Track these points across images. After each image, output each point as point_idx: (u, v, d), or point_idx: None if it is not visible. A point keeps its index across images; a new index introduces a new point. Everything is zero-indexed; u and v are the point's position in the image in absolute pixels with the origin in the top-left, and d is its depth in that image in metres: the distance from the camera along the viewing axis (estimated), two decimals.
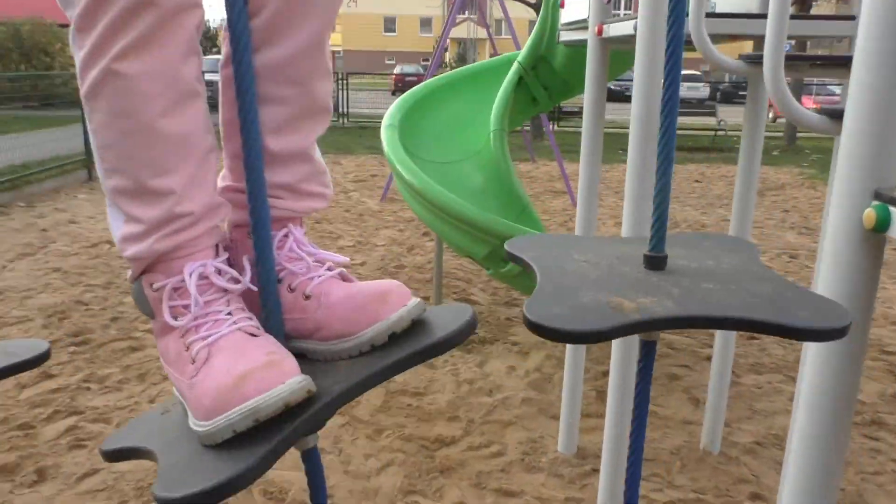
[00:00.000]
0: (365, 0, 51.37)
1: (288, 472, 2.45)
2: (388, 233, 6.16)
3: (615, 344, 1.97)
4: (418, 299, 0.87)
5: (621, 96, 16.57)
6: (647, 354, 0.83)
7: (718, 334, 2.65)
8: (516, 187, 3.35)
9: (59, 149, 8.85)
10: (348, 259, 0.96)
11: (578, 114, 16.17)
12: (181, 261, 0.83)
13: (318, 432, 0.84)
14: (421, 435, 2.78)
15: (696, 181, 9.75)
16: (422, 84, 3.83)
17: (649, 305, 0.70)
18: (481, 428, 2.86)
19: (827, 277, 0.94)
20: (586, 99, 2.31)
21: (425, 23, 50.87)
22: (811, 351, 0.97)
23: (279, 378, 0.73)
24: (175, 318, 0.82)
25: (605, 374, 3.32)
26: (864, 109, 0.88)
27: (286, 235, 0.91)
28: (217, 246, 0.87)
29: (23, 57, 18.22)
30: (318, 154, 0.98)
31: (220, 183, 0.94)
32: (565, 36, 2.83)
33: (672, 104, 0.81)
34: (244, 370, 0.74)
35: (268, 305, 0.84)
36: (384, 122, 3.46)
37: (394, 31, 53.11)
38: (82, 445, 2.63)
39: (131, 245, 0.82)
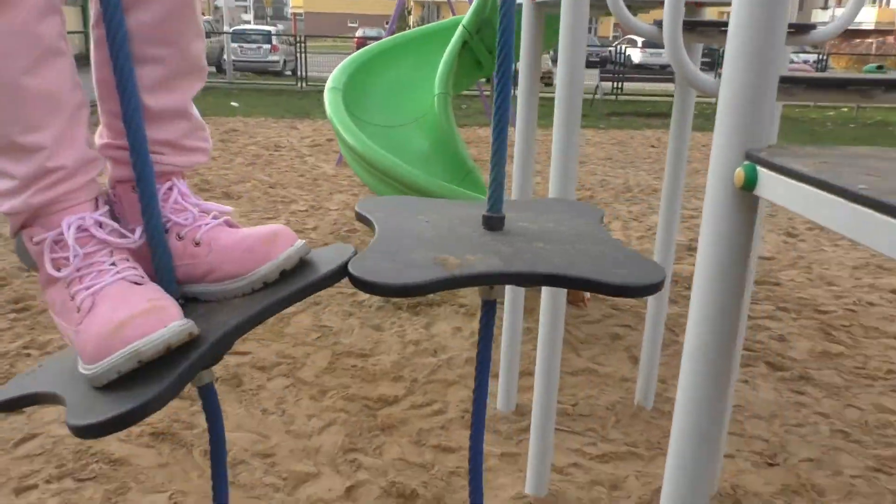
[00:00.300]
0: None
1: (230, 433, 2.48)
2: (341, 197, 6.14)
3: (543, 301, 2.02)
4: (303, 241, 0.93)
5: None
6: (487, 312, 0.87)
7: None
8: (460, 151, 3.37)
9: None
10: (231, 209, 0.98)
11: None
12: (59, 214, 0.85)
13: (215, 371, 0.88)
14: (364, 395, 2.83)
15: (652, 146, 9.88)
16: (367, 47, 3.80)
17: (473, 262, 0.74)
18: (424, 388, 2.92)
19: (705, 235, 0.98)
20: (521, 64, 2.33)
21: None
22: (692, 309, 1.03)
23: (160, 323, 0.78)
24: (58, 269, 0.85)
25: None
26: (737, 74, 0.92)
27: (170, 189, 0.95)
28: (97, 199, 0.89)
29: None
30: (195, 110, 0.99)
31: (99, 140, 0.95)
32: None
33: (506, 69, 0.83)
34: (125, 316, 0.78)
35: (157, 254, 0.88)
36: (328, 84, 3.43)
37: None
38: (20, 411, 2.62)
39: (6, 200, 0.84)
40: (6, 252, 4.37)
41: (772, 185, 0.88)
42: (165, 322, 0.78)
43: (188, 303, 0.89)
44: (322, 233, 5.04)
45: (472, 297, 3.89)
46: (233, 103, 12.15)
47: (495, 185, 0.83)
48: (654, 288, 0.72)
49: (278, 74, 19.68)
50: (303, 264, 0.91)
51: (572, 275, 0.72)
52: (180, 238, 0.92)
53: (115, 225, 0.89)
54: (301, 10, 54.20)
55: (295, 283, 0.88)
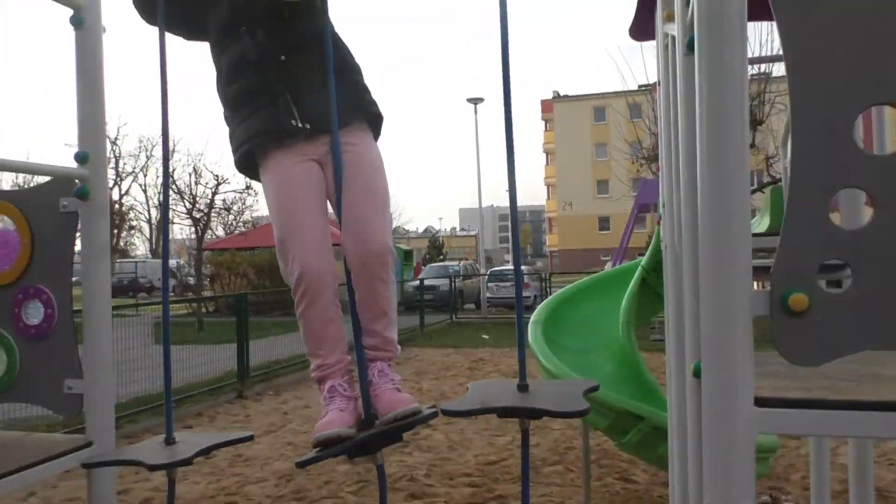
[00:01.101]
0: (581, 203, 54.91)
1: None
2: (566, 419, 6.67)
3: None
4: (416, 405, 1.79)
5: None
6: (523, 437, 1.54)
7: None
8: (643, 372, 3.90)
9: (302, 348, 10.75)
10: (400, 377, 1.93)
11: None
12: (327, 381, 1.87)
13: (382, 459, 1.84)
14: None
15: None
16: (566, 287, 4.64)
17: (497, 403, 1.42)
18: None
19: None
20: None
21: (640, 219, 52.43)
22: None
23: (330, 426, 1.73)
24: (323, 400, 1.84)
25: None
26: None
27: (375, 367, 1.91)
28: (347, 373, 1.84)
29: None
30: (386, 331, 1.93)
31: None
32: None
33: None
34: (323, 422, 1.74)
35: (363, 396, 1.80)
36: (531, 318, 4.27)
37: (608, 229, 55.20)
38: None
39: (313, 373, 1.89)
40: (295, 455, 5.59)
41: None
42: (333, 427, 1.76)
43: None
44: (542, 449, 5.60)
45: None
46: (483, 336, 13.61)
47: (521, 370, 1.63)
48: (576, 414, 1.34)
49: (529, 309, 21.37)
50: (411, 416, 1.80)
51: (538, 407, 1.39)
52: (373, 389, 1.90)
53: (347, 386, 1.90)
54: (556, 249, 58.61)
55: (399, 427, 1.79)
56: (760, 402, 1.05)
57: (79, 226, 1.99)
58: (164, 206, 2.34)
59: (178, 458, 1.85)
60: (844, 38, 1.01)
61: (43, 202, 2.00)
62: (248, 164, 2.07)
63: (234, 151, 2.07)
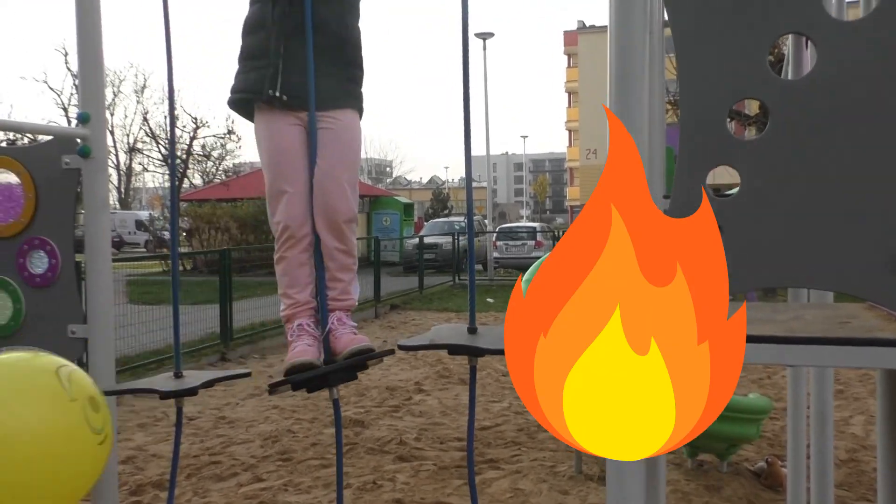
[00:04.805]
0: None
1: None
2: None
3: None
4: (367, 344, 2.29)
5: None
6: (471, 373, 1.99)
7: None
8: None
9: None
10: (355, 324, 2.42)
11: None
12: (296, 319, 2.36)
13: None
14: None
15: None
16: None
17: (446, 342, 1.88)
18: None
19: None
20: None
21: None
22: None
23: (302, 355, 2.27)
24: (291, 336, 2.33)
25: None
26: None
27: (334, 315, 2.39)
28: (313, 315, 2.37)
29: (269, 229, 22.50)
30: (346, 283, 2.44)
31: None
32: None
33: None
34: (294, 352, 2.28)
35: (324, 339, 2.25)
36: (524, 276, 4.73)
37: None
38: None
39: (283, 312, 2.39)
40: (280, 419, 6.13)
41: None
42: (306, 356, 2.27)
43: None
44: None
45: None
46: (488, 300, 14.11)
47: (471, 312, 2.02)
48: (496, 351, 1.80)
49: None
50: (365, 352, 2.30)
51: (462, 343, 1.84)
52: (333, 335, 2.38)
53: (314, 326, 2.37)
54: (577, 202, 58.76)
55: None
56: None
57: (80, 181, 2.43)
58: (171, 153, 2.81)
59: (185, 387, 2.41)
60: (723, 39, 1.42)
61: (46, 158, 2.43)
62: (241, 109, 2.65)
63: (231, 93, 2.63)
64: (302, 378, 2.30)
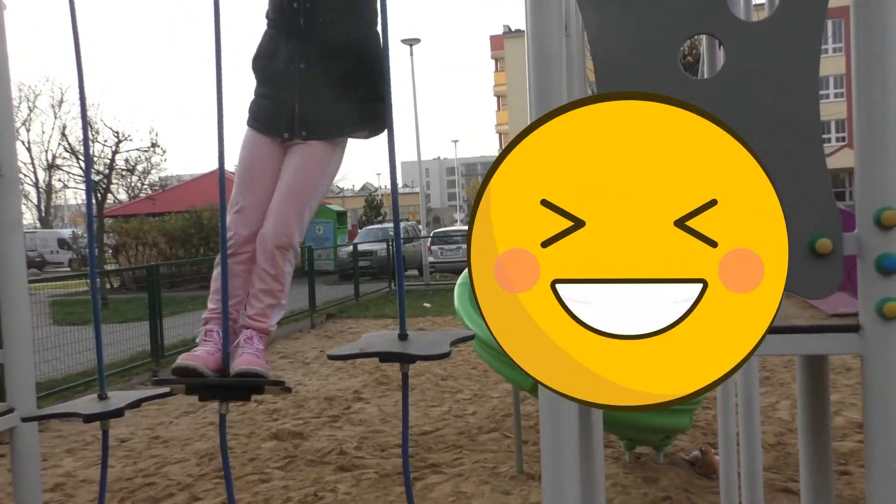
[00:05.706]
0: None
1: None
2: (506, 386, 7.24)
3: None
4: (260, 370, 2.27)
5: None
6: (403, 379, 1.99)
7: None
8: None
9: None
10: (263, 348, 2.43)
11: None
12: (210, 323, 2.36)
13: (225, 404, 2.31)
14: None
15: None
16: None
17: (376, 349, 1.88)
18: None
19: None
20: None
21: None
22: None
23: (193, 359, 2.24)
24: (199, 339, 2.34)
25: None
26: None
27: (246, 333, 2.39)
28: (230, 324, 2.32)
29: (202, 241, 21.81)
30: (268, 307, 2.46)
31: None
32: None
33: None
34: (189, 354, 2.24)
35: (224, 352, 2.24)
36: (458, 280, 4.73)
37: None
38: None
39: (204, 315, 2.37)
40: (216, 435, 5.99)
41: None
42: (196, 361, 2.25)
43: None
44: (479, 417, 6.14)
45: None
46: (425, 304, 14.11)
47: (402, 320, 2.02)
48: (435, 357, 1.80)
49: None
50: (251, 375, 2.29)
51: (395, 351, 1.84)
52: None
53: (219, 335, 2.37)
54: None
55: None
56: None
57: None
58: (87, 167, 2.73)
59: (109, 409, 2.32)
60: (636, 39, 1.46)
61: None
62: None
63: (248, 113, 2.68)
64: (193, 383, 2.30)
